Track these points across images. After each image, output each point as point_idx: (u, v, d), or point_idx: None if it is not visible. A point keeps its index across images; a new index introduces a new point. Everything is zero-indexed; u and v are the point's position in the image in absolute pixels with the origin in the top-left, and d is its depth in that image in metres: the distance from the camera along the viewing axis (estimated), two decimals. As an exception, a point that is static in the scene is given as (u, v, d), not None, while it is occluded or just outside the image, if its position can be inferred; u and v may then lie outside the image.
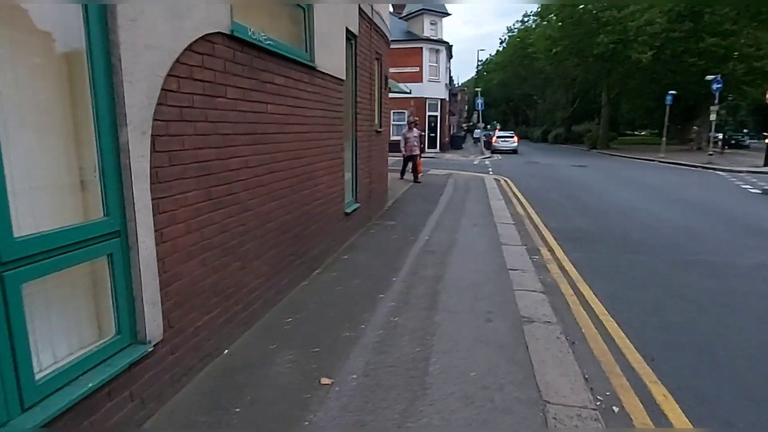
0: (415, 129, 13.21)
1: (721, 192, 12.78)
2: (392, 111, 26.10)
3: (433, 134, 28.86)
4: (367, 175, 7.21)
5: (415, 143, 13.01)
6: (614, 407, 2.91)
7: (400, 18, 29.51)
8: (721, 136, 29.98)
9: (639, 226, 8.04)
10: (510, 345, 3.46)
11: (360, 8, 6.20)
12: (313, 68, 4.60)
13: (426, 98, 27.59)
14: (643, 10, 27.16)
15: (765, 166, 17.92)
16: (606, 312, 4.37)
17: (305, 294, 4.38)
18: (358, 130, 6.52)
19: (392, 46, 25.25)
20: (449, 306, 4.16)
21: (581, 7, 30.81)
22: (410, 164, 13.39)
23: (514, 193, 11.91)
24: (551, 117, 54.87)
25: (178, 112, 2.58)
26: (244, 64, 3.26)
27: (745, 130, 53.20)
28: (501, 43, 61.24)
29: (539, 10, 36.25)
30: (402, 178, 13.57)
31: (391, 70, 23.53)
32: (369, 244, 6.31)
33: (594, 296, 4.76)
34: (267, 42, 3.56)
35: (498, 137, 31.91)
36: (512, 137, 31.72)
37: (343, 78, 5.61)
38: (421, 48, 27.28)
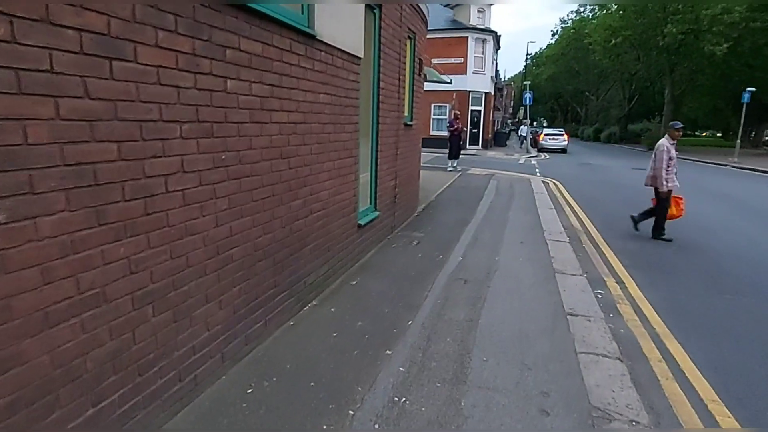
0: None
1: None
2: (432, 104, 24.77)
3: (475, 130, 27.15)
4: (392, 177, 5.99)
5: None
6: None
7: (446, 6, 27.89)
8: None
9: (730, 251, 6.40)
10: (579, 467, 2.17)
11: (387, -30, 4.97)
12: (313, 37, 3.42)
13: (470, 91, 25.89)
14: (719, -3, 24.24)
15: None
16: (717, 398, 2.97)
17: (287, 342, 3.24)
18: (380, 122, 5.31)
19: (436, 36, 23.92)
20: (484, 378, 2.89)
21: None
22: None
23: (566, 200, 10.34)
24: (605, 115, 51.44)
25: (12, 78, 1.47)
26: (179, 14, 2.12)
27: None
28: (553, 35, 57.99)
29: (597, -2, 33.51)
30: (660, 236, 6.97)
31: (434, 61, 22.14)
32: (387, 263, 5.10)
33: (694, 367, 3.34)
34: (227, -12, 2.40)
35: (546, 135, 29.69)
36: (562, 135, 29.44)
37: (360, 56, 4.40)
38: (467, 37, 25.54)
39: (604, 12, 33.48)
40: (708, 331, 3.98)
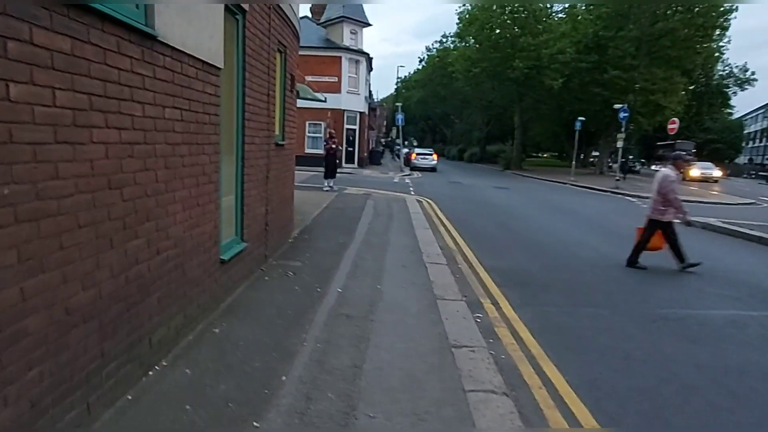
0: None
1: (642, 221, 12.62)
2: (307, 122, 24.39)
3: (351, 148, 27.43)
4: (263, 203, 5.39)
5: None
6: None
7: (319, 24, 27.95)
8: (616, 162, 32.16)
9: (585, 265, 7.07)
10: None
11: (251, -25, 4.46)
12: (153, 38, 2.77)
13: (344, 110, 26.12)
14: (555, 39, 28.32)
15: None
16: (595, 422, 3.00)
17: (120, 428, 2.47)
18: (247, 142, 4.71)
19: (310, 53, 23.71)
20: (372, 440, 2.51)
21: (498, 31, 31.58)
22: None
23: (440, 220, 10.69)
24: (467, 136, 56.44)
25: None
26: None
27: (630, 157, 58.92)
28: (420, 61, 62.17)
29: (458, 31, 36.71)
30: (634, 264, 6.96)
31: (308, 78, 21.81)
32: (259, 302, 4.48)
33: (570, 390, 3.38)
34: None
35: (418, 154, 31.44)
36: (431, 155, 31.42)
37: (219, 66, 3.81)
38: (341, 57, 25.83)
39: (464, 44, 36.80)
40: (576, 347, 4.16)
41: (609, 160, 36.04)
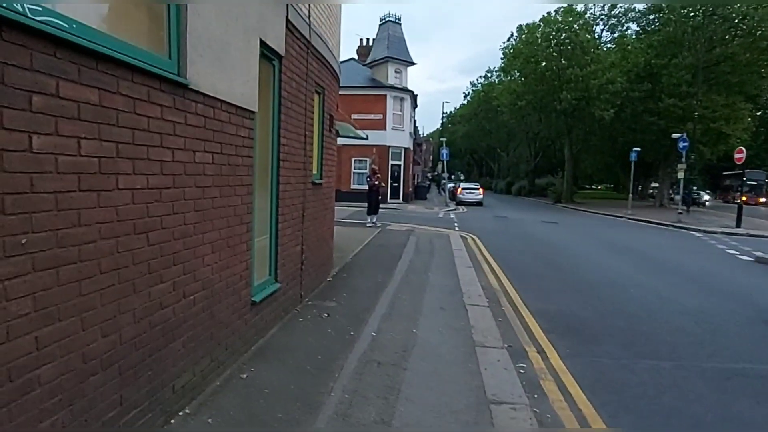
0: None
1: (710, 259, 11.61)
2: (353, 158, 24.93)
3: (396, 184, 27.58)
4: (298, 242, 5.37)
5: None
6: None
7: (365, 65, 28.93)
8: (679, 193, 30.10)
9: (643, 310, 6.46)
10: None
11: (289, 21, 4.61)
12: (185, 87, 2.84)
13: (389, 146, 26.49)
14: (604, 70, 27.65)
15: (737, 227, 17.31)
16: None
17: (134, 482, 2.39)
18: (282, 182, 4.74)
19: (356, 93, 24.56)
20: None
21: (543, 64, 31.31)
22: None
23: (484, 257, 10.30)
24: (515, 169, 55.48)
25: None
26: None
27: (694, 188, 55.08)
28: (465, 96, 62.70)
29: (503, 65, 36.75)
30: None
31: (353, 116, 22.48)
32: (290, 345, 4.37)
33: (628, 459, 2.98)
34: (41, 17, 1.79)
35: (463, 189, 31.12)
36: (477, 189, 30.99)
37: (253, 109, 3.88)
38: (385, 95, 26.44)
39: (509, 78, 36.73)
40: (635, 408, 3.70)
41: (670, 191, 33.99)
